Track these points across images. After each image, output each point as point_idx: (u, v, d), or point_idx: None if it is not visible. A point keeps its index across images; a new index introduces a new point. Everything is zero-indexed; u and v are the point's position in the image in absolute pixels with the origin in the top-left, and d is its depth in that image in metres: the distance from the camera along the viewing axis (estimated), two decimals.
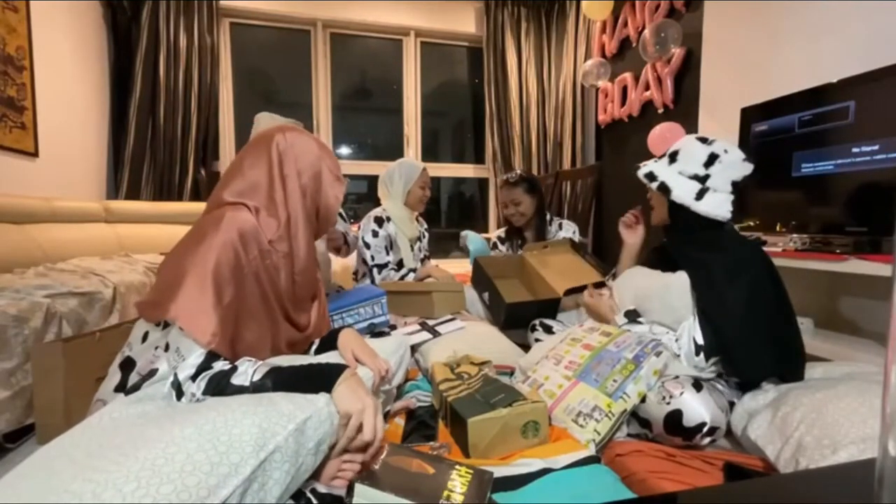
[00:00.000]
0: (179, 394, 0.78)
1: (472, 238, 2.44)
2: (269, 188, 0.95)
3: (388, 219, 2.08)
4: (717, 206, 1.19)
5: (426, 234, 2.29)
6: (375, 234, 2.05)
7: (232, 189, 0.94)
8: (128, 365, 0.89)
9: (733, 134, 1.84)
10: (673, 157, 1.26)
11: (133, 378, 0.87)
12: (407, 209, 2.11)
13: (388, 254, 2.07)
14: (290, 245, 0.96)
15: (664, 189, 1.24)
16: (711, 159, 1.19)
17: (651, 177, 1.27)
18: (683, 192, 1.21)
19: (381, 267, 2.06)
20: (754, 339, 1.08)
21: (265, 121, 1.70)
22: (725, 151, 1.19)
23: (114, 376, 0.89)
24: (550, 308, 1.74)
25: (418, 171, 2.11)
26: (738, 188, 1.22)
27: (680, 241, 1.26)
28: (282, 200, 0.95)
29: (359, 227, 2.09)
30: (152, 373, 0.83)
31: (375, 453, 0.78)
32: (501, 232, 2.30)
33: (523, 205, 2.07)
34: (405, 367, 1.21)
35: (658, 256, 1.35)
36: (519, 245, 2.16)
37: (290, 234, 0.96)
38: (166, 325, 0.86)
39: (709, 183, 1.20)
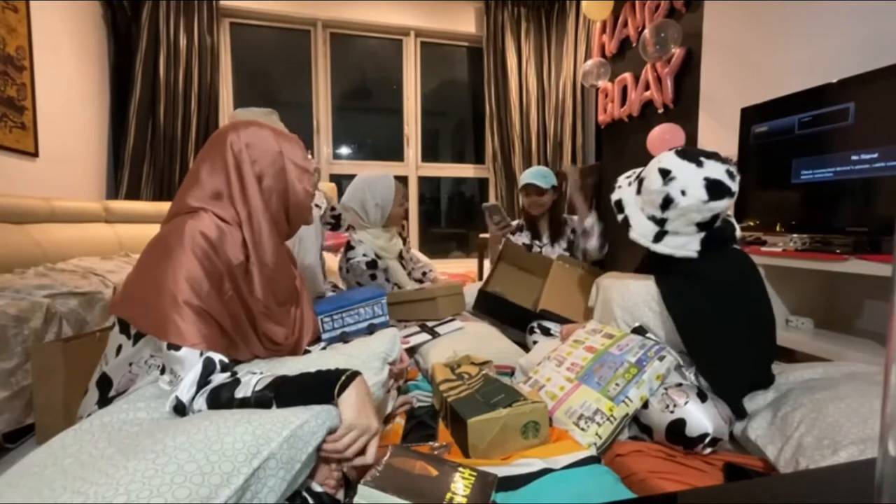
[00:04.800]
0: (182, 413, 0.76)
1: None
2: (230, 198, 0.90)
3: (378, 256, 1.87)
4: (679, 247, 1.11)
5: (408, 243, 2.17)
6: (374, 278, 1.86)
7: (192, 197, 0.89)
8: (105, 382, 0.87)
9: (733, 134, 1.84)
10: (640, 186, 1.20)
11: (114, 395, 0.86)
12: (387, 232, 1.93)
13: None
14: (256, 256, 0.91)
15: (626, 224, 1.19)
16: (666, 203, 1.10)
17: (619, 206, 1.23)
18: (641, 233, 1.16)
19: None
20: (721, 361, 1.07)
21: (240, 118, 1.57)
22: (683, 193, 1.07)
23: (93, 394, 0.87)
24: (522, 317, 1.67)
25: (393, 190, 1.86)
26: (710, 226, 1.10)
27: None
28: (244, 209, 0.90)
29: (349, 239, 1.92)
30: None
31: (376, 460, 0.76)
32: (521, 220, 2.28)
33: (545, 196, 2.08)
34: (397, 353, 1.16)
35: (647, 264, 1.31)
36: (531, 236, 2.16)
37: (255, 240, 0.91)
38: (137, 338, 0.84)
39: (667, 226, 1.13)
